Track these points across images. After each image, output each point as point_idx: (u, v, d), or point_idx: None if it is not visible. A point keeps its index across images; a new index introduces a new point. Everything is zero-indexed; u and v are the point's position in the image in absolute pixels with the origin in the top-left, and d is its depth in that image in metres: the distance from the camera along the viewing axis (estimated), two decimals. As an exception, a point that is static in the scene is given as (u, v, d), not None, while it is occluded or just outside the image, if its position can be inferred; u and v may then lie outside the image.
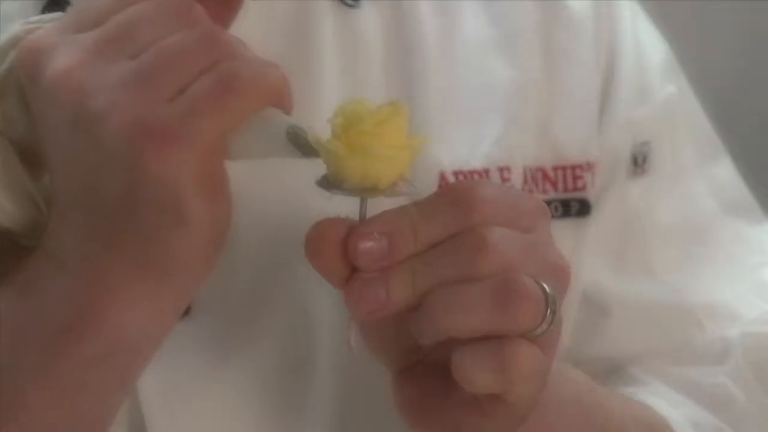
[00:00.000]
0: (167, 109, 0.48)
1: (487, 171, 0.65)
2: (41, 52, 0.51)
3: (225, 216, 0.51)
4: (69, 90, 0.49)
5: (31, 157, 0.53)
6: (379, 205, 0.51)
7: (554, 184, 0.68)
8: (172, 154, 0.48)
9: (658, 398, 0.69)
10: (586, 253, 0.69)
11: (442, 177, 0.64)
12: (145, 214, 0.49)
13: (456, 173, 0.64)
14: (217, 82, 0.49)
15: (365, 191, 0.50)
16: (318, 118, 0.51)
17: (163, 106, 0.48)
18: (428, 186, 0.54)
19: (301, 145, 0.50)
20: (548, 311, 0.51)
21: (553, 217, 0.66)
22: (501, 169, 0.66)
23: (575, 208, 0.68)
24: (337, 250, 0.51)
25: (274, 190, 0.59)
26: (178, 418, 0.60)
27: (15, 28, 0.53)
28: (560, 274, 0.53)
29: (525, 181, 0.67)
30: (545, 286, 0.51)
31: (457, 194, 0.52)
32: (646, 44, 0.74)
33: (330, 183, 0.50)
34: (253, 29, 0.56)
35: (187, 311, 0.57)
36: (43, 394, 0.51)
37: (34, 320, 0.52)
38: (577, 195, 0.68)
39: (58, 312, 0.51)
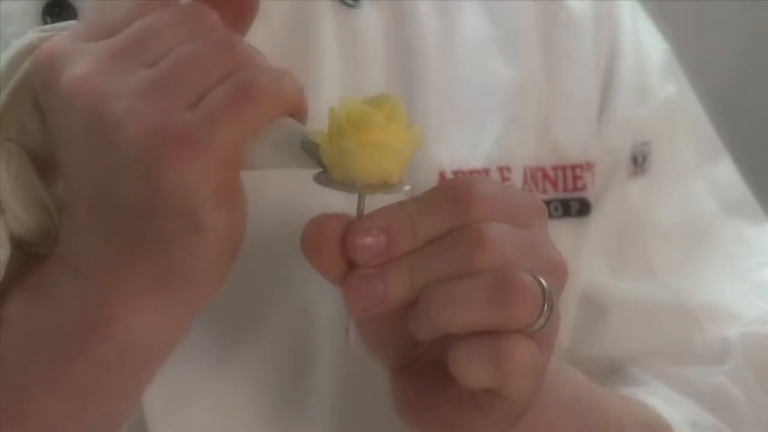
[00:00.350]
0: (184, 117, 0.48)
1: (487, 170, 0.66)
2: (57, 60, 0.51)
3: (240, 225, 0.51)
4: (86, 97, 0.49)
5: (44, 165, 0.53)
6: (377, 201, 0.51)
7: (554, 184, 0.68)
8: (188, 163, 0.48)
9: (658, 398, 0.69)
10: (586, 253, 0.69)
11: (442, 176, 0.64)
12: (161, 221, 0.49)
13: (456, 173, 0.64)
14: (234, 91, 0.49)
15: (373, 188, 0.50)
16: (318, 117, 0.51)
17: (179, 114, 0.48)
18: (428, 186, 0.54)
19: (317, 154, 0.50)
20: (545, 307, 0.51)
21: (552, 216, 0.66)
22: (501, 169, 0.66)
23: (575, 207, 0.68)
24: (334, 246, 0.51)
25: (274, 189, 0.59)
26: (179, 417, 0.60)
27: (28, 35, 0.53)
28: (557, 271, 0.53)
29: (525, 180, 0.67)
30: (542, 281, 0.51)
31: (455, 190, 0.52)
32: (646, 44, 0.74)
33: (331, 179, 0.51)
34: (253, 29, 0.56)
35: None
36: (53, 400, 0.51)
37: (45, 326, 0.52)
38: (577, 195, 0.68)
39: (70, 318, 0.51)
